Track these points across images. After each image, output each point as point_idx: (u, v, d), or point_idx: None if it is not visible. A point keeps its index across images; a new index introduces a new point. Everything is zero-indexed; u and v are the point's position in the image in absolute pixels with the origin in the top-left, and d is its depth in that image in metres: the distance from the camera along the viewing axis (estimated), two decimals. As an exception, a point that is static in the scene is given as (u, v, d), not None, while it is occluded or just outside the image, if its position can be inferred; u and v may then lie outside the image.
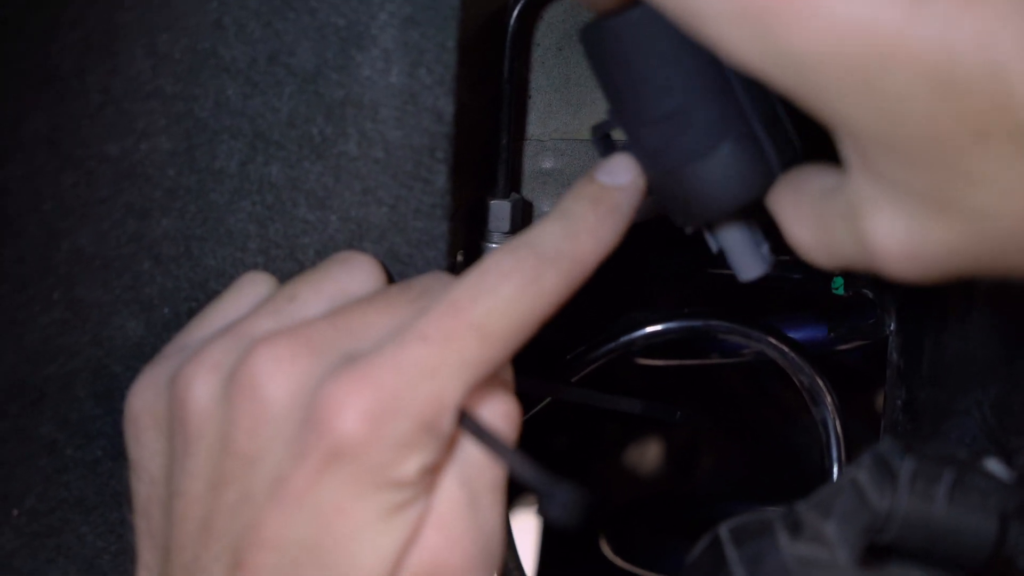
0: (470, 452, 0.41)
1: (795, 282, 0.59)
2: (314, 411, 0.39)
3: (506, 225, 0.55)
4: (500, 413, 0.41)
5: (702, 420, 0.52)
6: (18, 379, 0.49)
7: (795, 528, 0.40)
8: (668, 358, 0.64)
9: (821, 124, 0.34)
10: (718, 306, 0.55)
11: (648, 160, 0.42)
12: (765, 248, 0.43)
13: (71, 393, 0.49)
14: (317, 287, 0.45)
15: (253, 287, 0.47)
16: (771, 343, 0.50)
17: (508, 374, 0.43)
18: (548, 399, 0.55)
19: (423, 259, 0.49)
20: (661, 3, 0.35)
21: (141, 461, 0.45)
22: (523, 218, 0.56)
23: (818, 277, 0.56)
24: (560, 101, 0.57)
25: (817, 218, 0.37)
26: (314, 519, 0.39)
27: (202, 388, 0.42)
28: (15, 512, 0.49)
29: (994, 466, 0.40)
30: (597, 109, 0.58)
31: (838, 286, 0.54)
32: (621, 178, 0.42)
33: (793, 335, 0.53)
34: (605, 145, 0.43)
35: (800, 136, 0.41)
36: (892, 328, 0.52)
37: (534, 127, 0.57)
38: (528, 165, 0.57)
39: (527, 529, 1.01)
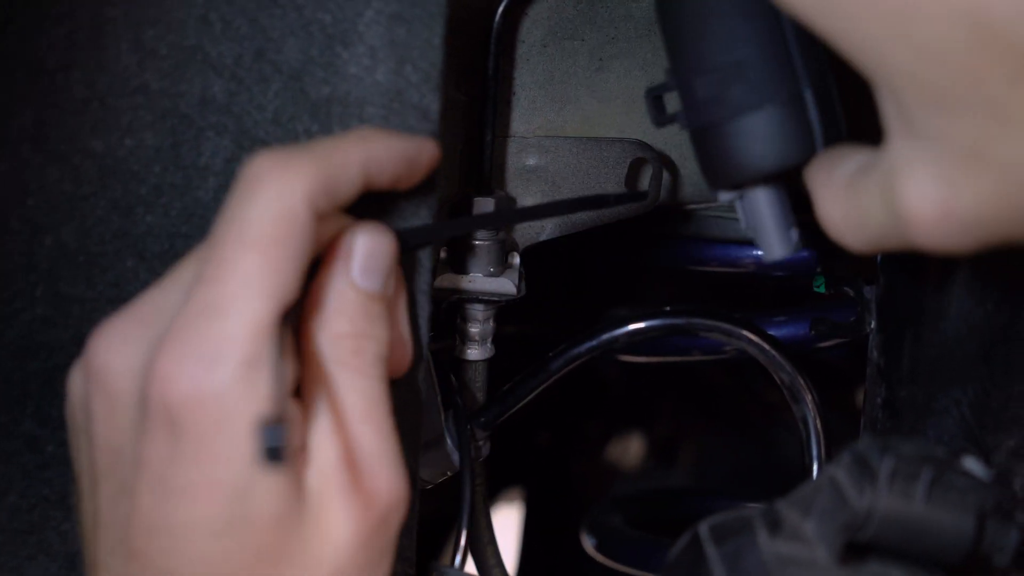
0: (339, 373, 0.41)
1: (777, 281, 0.60)
2: (146, 388, 0.39)
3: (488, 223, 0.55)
4: (364, 250, 0.42)
5: (636, 196, 0.49)
6: (1, 375, 0.48)
7: (775, 526, 0.40)
8: (651, 355, 0.65)
9: (866, 79, 0.34)
10: (701, 304, 0.55)
11: (695, 112, 0.42)
12: (794, 232, 0.43)
13: (53, 390, 0.49)
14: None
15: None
16: (752, 341, 0.50)
17: (344, 221, 0.43)
18: (528, 397, 0.55)
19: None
20: None
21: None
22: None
23: (800, 276, 0.56)
24: (544, 98, 0.57)
25: (850, 195, 0.37)
26: (187, 492, 0.39)
27: (73, 384, 0.43)
28: None
29: (972, 464, 0.40)
30: (581, 106, 0.58)
31: (819, 284, 0.55)
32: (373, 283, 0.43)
33: (775, 333, 0.54)
34: (656, 107, 0.43)
35: (847, 116, 0.41)
36: (873, 327, 0.52)
37: (518, 124, 0.57)
38: (512, 162, 0.57)
39: (509, 526, 1.01)
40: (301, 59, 0.47)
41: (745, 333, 0.51)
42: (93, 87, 0.47)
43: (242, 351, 0.39)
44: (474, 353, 0.58)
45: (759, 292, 0.65)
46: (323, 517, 0.40)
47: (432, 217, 0.48)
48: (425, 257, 0.49)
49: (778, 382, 0.50)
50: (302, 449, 0.41)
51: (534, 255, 0.59)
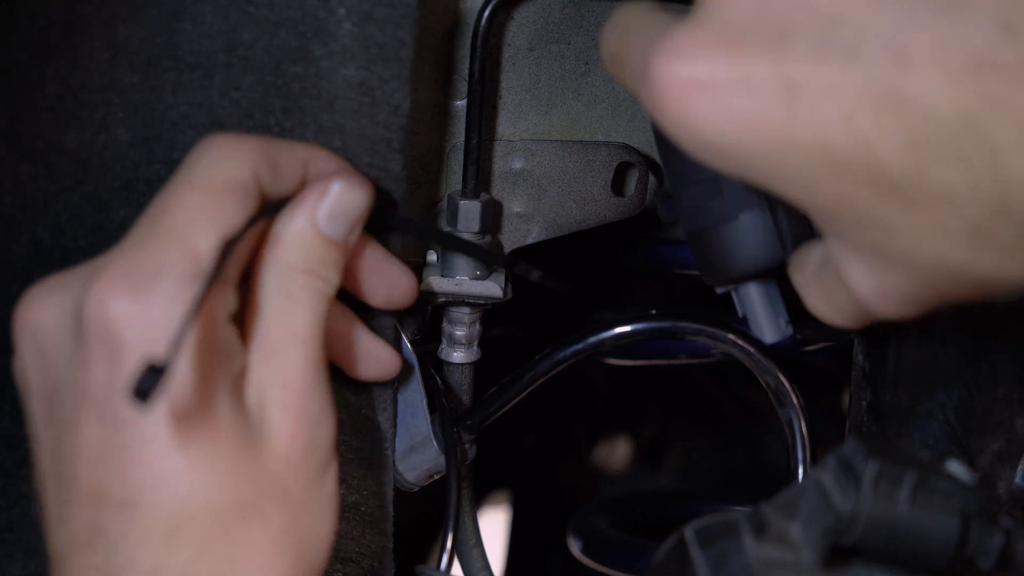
0: (284, 302, 0.44)
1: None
2: (81, 312, 0.40)
3: (476, 225, 0.54)
4: (336, 197, 0.44)
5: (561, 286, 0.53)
6: None
7: (760, 529, 0.40)
8: (636, 358, 0.64)
9: None
10: (687, 307, 0.55)
11: (686, 218, 0.47)
12: (783, 320, 0.48)
13: None
14: None
15: None
16: (738, 344, 0.50)
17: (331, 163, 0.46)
18: (515, 400, 0.55)
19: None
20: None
21: None
22: (493, 218, 0.56)
23: (785, 279, 0.56)
24: (530, 102, 0.57)
25: (821, 287, 0.41)
26: (133, 412, 0.40)
27: (18, 342, 0.44)
28: None
29: (956, 468, 0.40)
30: (567, 110, 0.58)
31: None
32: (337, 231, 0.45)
33: (760, 336, 0.53)
34: (666, 206, 0.48)
35: None
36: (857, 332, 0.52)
37: (504, 127, 0.57)
38: (498, 165, 0.57)
39: (495, 529, 1.01)
40: (273, 55, 0.47)
41: (731, 337, 0.51)
42: (66, 83, 0.47)
43: (179, 272, 0.40)
44: (460, 356, 0.57)
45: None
46: (264, 432, 0.42)
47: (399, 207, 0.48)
48: (397, 244, 0.49)
49: (764, 385, 0.49)
50: (241, 374, 0.43)
51: (521, 258, 0.58)
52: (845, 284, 0.39)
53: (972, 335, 0.47)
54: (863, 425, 0.51)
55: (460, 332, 0.57)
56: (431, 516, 0.57)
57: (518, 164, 0.57)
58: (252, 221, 0.43)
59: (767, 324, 0.47)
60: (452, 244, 0.54)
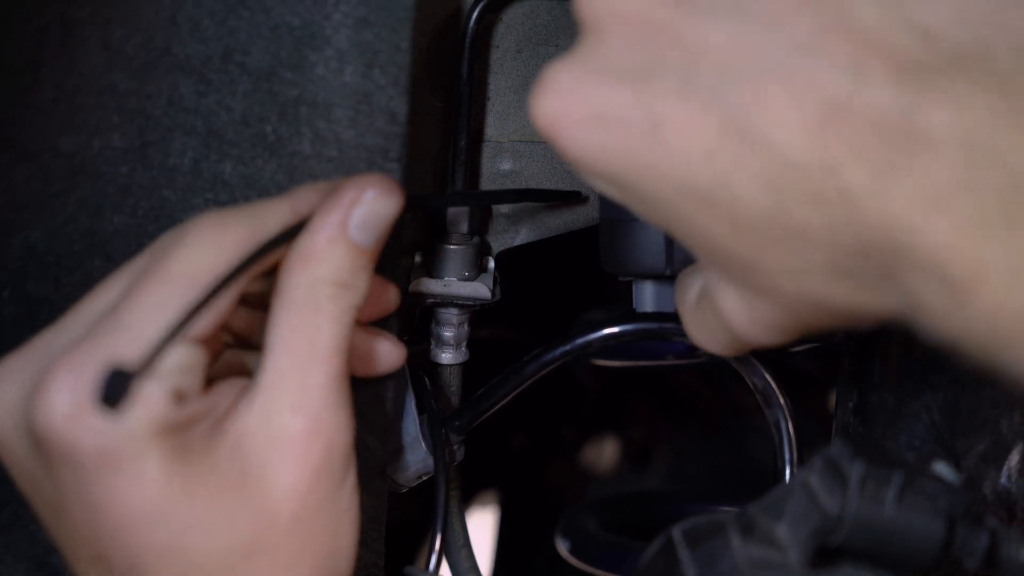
0: (310, 316, 0.42)
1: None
2: (28, 420, 0.39)
3: (464, 227, 0.55)
4: (369, 207, 0.43)
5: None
6: None
7: (747, 530, 0.40)
8: (624, 359, 0.65)
9: None
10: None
11: (602, 205, 0.52)
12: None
13: None
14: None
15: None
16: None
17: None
18: (503, 402, 0.55)
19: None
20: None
21: None
22: (481, 219, 0.56)
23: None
24: (518, 103, 0.57)
25: (698, 315, 0.42)
26: (110, 503, 0.39)
27: None
28: None
29: (942, 469, 0.40)
30: (556, 111, 0.58)
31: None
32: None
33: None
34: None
35: None
36: (843, 334, 0.52)
37: (492, 129, 0.57)
38: (486, 166, 0.57)
39: (483, 530, 1.01)
40: (269, 61, 0.47)
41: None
42: (61, 87, 0.47)
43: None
44: (448, 357, 0.58)
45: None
46: (267, 461, 0.41)
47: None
48: (397, 257, 0.49)
49: (751, 386, 0.50)
50: (232, 407, 0.41)
51: (509, 260, 0.59)
52: (719, 314, 0.40)
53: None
54: (849, 426, 0.51)
55: (448, 333, 0.57)
56: (419, 518, 0.57)
57: (506, 166, 0.57)
58: (262, 252, 0.41)
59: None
60: (479, 199, 0.55)
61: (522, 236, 0.58)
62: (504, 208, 0.58)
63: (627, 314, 0.54)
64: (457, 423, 0.54)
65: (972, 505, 0.40)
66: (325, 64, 0.47)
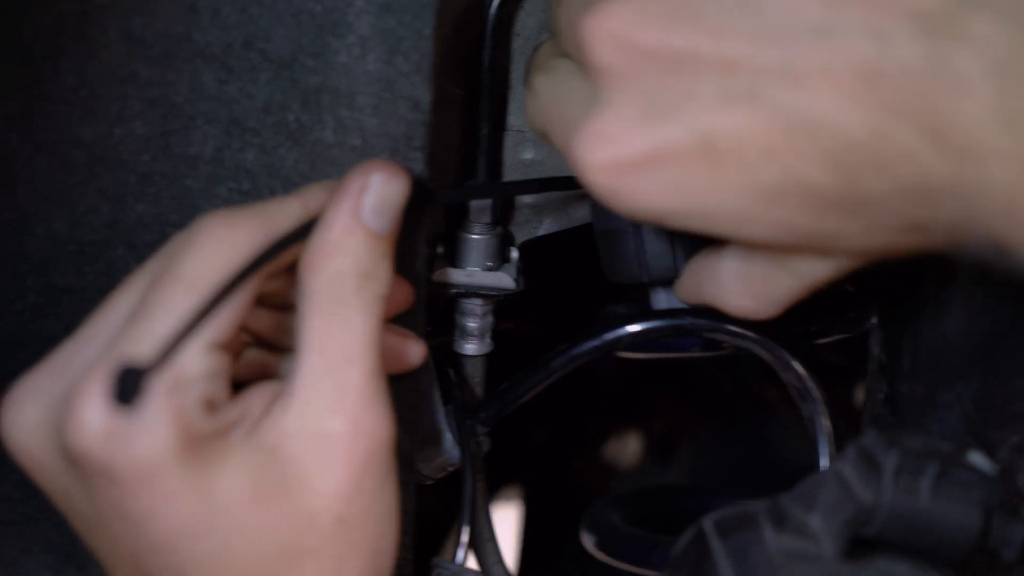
0: (336, 311, 0.41)
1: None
2: (62, 438, 0.39)
3: (487, 216, 0.54)
4: (378, 191, 0.43)
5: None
6: None
7: (779, 521, 0.40)
8: (648, 351, 0.64)
9: None
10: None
11: (595, 215, 0.52)
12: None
13: None
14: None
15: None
16: (757, 340, 0.49)
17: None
18: (529, 394, 0.54)
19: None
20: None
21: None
22: (504, 209, 0.56)
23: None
24: (542, 91, 0.57)
25: (751, 285, 0.43)
26: (150, 515, 0.39)
27: (14, 455, 0.43)
28: None
29: (977, 459, 0.40)
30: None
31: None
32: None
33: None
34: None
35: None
36: (874, 322, 0.51)
37: (515, 117, 0.57)
38: (509, 155, 0.57)
39: (508, 525, 1.01)
40: (291, 48, 0.47)
41: (751, 333, 0.51)
42: (82, 75, 0.47)
43: (162, 386, 0.38)
44: (472, 348, 0.57)
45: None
46: (308, 464, 0.40)
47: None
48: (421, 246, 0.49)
49: (784, 381, 0.49)
50: (267, 409, 0.41)
51: (532, 250, 0.58)
52: (791, 276, 0.41)
53: (988, 325, 0.47)
54: (880, 417, 0.50)
55: (472, 324, 0.57)
56: (443, 510, 0.57)
57: (529, 155, 0.57)
58: (275, 250, 0.41)
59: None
60: (502, 190, 0.54)
61: (545, 226, 0.58)
62: (527, 198, 0.58)
63: (653, 311, 0.53)
64: (483, 414, 0.54)
65: (1008, 496, 0.39)
66: (348, 51, 0.47)
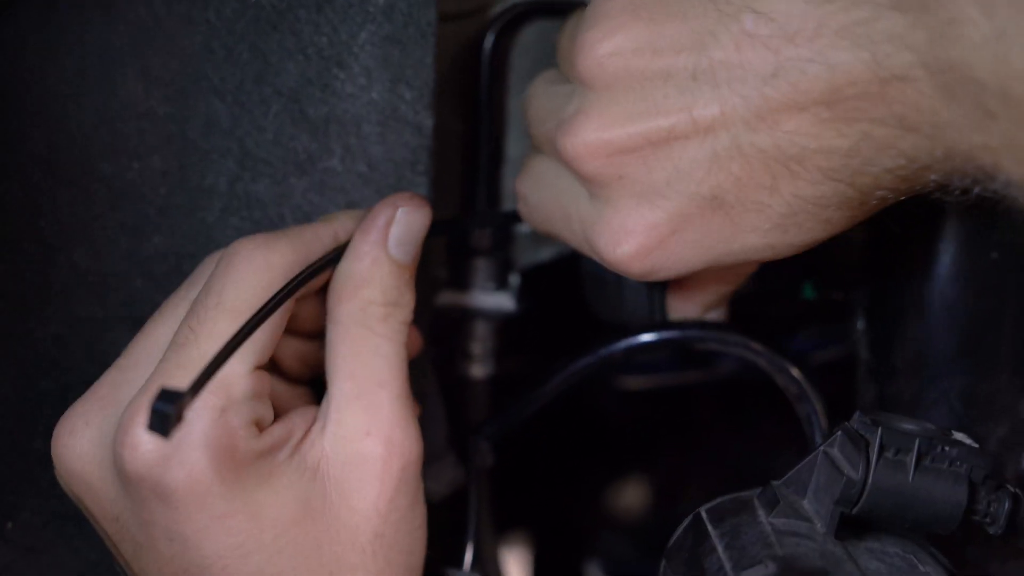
0: (365, 338, 0.44)
1: (765, 292, 0.61)
2: (116, 461, 0.40)
3: (488, 241, 0.57)
4: (403, 223, 0.45)
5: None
6: (14, 393, 0.50)
7: (772, 503, 0.41)
8: (646, 372, 0.65)
9: None
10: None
11: (586, 261, 0.53)
12: None
13: (65, 408, 0.50)
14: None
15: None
16: (751, 347, 0.51)
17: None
18: (531, 410, 0.56)
19: None
20: None
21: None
22: (504, 235, 0.58)
23: (787, 284, 0.58)
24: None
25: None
26: (200, 534, 0.40)
27: (55, 466, 0.44)
28: (8, 524, 0.50)
29: (962, 437, 0.41)
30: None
31: (807, 290, 0.56)
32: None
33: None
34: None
35: None
36: (861, 327, 0.53)
37: (513, 149, 0.59)
38: (507, 185, 0.59)
39: (519, 563, 1.01)
40: (299, 81, 0.50)
41: (742, 340, 0.52)
42: (102, 113, 0.49)
43: (210, 407, 0.40)
44: (475, 370, 0.59)
45: (746, 303, 0.66)
46: (347, 485, 0.42)
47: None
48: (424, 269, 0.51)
49: (780, 385, 0.51)
50: (306, 434, 0.43)
51: (535, 278, 0.60)
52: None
53: (971, 322, 0.48)
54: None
55: (475, 346, 0.59)
56: (448, 529, 0.58)
57: (528, 185, 0.59)
58: (309, 275, 0.43)
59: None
60: (502, 219, 0.57)
61: (545, 253, 0.60)
62: (526, 227, 0.60)
63: (649, 325, 0.55)
64: (488, 430, 0.55)
65: (993, 471, 0.41)
66: (353, 81, 0.49)
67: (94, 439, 0.42)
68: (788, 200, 0.39)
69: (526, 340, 0.63)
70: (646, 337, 0.55)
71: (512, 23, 0.56)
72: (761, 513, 0.41)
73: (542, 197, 0.46)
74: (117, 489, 0.42)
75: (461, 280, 0.57)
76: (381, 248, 0.44)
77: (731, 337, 0.53)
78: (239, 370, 0.41)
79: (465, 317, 0.58)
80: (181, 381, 0.39)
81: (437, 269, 0.58)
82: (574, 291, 0.58)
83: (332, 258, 0.45)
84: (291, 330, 0.48)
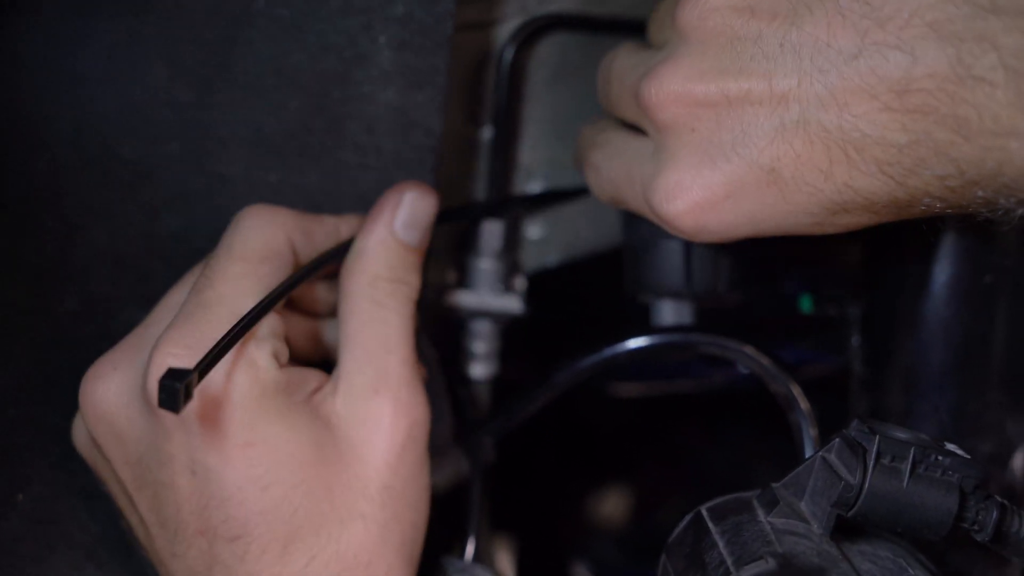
0: (374, 310, 0.46)
1: (764, 305, 0.63)
2: (146, 386, 0.43)
3: (498, 243, 0.58)
4: (410, 207, 0.48)
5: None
6: (30, 368, 0.50)
7: (771, 504, 0.42)
8: (639, 380, 0.67)
9: None
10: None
11: (624, 231, 0.54)
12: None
13: (78, 384, 0.51)
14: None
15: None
16: (747, 354, 0.53)
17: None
18: (533, 409, 0.57)
19: None
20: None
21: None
22: (511, 238, 0.60)
23: (784, 300, 0.60)
24: (551, 133, 0.61)
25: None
26: (221, 463, 0.42)
27: (76, 430, 0.49)
28: (20, 496, 0.50)
29: (954, 448, 0.42)
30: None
31: (806, 304, 0.58)
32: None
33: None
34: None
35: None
36: (855, 342, 0.55)
37: (525, 155, 0.61)
38: (518, 189, 0.61)
39: (509, 561, 1.02)
40: (318, 78, 0.51)
41: (741, 348, 0.53)
42: (127, 98, 0.50)
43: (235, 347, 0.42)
44: (480, 371, 0.60)
45: (744, 316, 0.67)
46: (357, 439, 0.45)
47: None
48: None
49: (773, 393, 0.52)
50: (318, 389, 0.45)
51: (541, 284, 0.61)
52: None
53: (963, 340, 0.50)
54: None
55: (480, 346, 0.60)
56: (445, 524, 0.59)
57: (537, 188, 0.61)
58: (320, 264, 0.46)
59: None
60: (504, 207, 0.58)
61: (552, 257, 0.61)
62: (533, 228, 0.61)
63: (652, 328, 0.56)
64: (491, 426, 0.56)
65: (983, 481, 0.42)
66: (370, 82, 0.51)
67: (122, 382, 0.44)
68: (840, 188, 0.40)
69: (531, 343, 0.64)
70: (648, 340, 0.56)
71: (532, 36, 0.58)
72: (760, 513, 0.42)
73: (613, 165, 0.48)
74: (142, 428, 0.43)
75: (470, 282, 0.58)
76: (388, 229, 0.47)
77: (731, 344, 0.55)
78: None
79: (473, 317, 0.59)
80: (206, 318, 0.43)
81: (447, 272, 0.59)
82: (579, 296, 0.59)
83: (345, 247, 0.48)
84: (302, 310, 0.50)
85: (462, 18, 0.54)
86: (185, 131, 0.51)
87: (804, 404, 0.50)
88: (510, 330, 0.61)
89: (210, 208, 0.52)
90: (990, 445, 0.51)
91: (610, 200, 0.49)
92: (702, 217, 0.43)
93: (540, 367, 0.56)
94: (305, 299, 0.51)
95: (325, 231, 0.49)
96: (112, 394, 0.44)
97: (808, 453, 0.49)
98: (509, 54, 0.57)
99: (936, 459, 0.41)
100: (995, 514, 0.42)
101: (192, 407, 0.41)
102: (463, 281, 0.59)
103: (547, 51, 0.60)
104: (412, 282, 0.48)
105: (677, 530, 0.44)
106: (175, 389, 0.38)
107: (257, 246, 0.45)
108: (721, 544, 0.41)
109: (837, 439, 0.42)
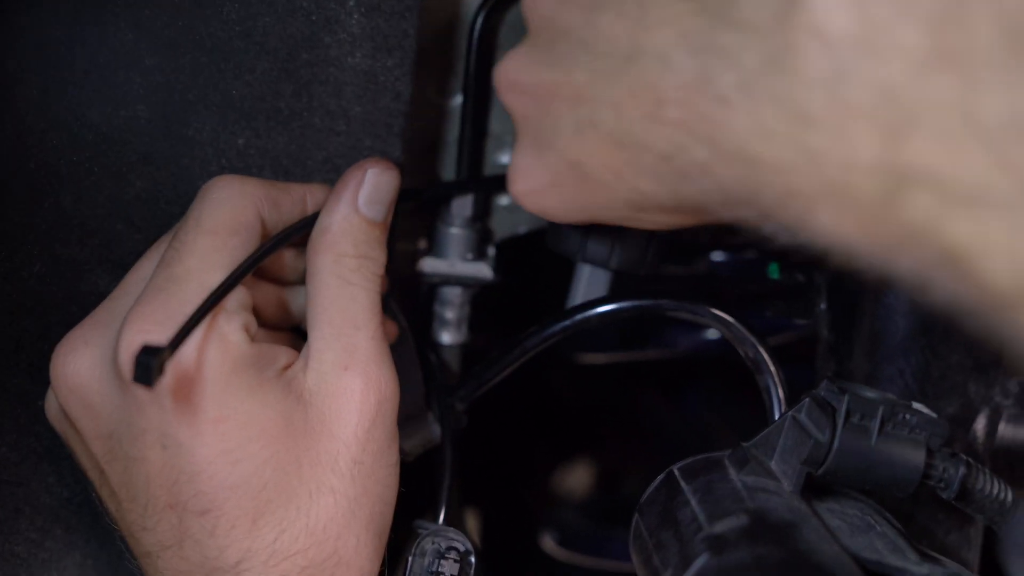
0: (340, 287, 0.47)
1: (733, 273, 0.63)
2: (118, 362, 0.43)
3: (468, 211, 0.58)
4: (372, 183, 0.48)
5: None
6: None
7: (742, 463, 0.43)
8: (608, 350, 0.67)
9: None
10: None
11: None
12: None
13: (46, 346, 0.50)
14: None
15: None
16: (717, 317, 0.53)
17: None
18: (503, 374, 0.57)
19: None
20: None
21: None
22: (483, 206, 0.60)
23: (754, 266, 0.60)
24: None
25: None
26: (192, 438, 0.42)
27: (48, 403, 0.48)
28: None
29: (921, 407, 0.43)
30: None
31: (773, 270, 0.59)
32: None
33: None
34: None
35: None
36: (823, 307, 0.56)
37: (495, 124, 0.61)
38: (488, 160, 0.61)
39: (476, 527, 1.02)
40: (286, 42, 0.51)
41: (711, 311, 0.54)
42: (94, 60, 0.50)
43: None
44: (449, 337, 0.60)
45: (713, 284, 0.68)
46: (327, 414, 0.45)
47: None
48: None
49: (742, 356, 0.52)
50: (288, 366, 0.46)
51: (512, 250, 0.62)
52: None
53: (925, 304, 0.51)
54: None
55: (450, 313, 0.60)
56: (415, 491, 0.59)
57: (506, 159, 0.61)
58: (285, 237, 0.47)
59: (579, 300, 0.55)
60: (478, 185, 0.58)
61: (525, 225, 0.62)
62: (504, 200, 0.61)
63: (622, 292, 0.56)
64: (461, 392, 0.56)
65: (949, 439, 0.43)
66: (338, 46, 0.51)
67: (94, 356, 0.44)
68: (630, 188, 0.39)
69: (500, 309, 0.64)
70: (617, 304, 0.56)
71: (503, 3, 0.58)
72: (732, 471, 0.43)
73: None
74: (114, 402, 0.43)
75: (440, 249, 0.58)
76: (351, 205, 0.48)
77: (701, 308, 0.55)
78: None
79: (443, 284, 0.59)
80: (176, 292, 0.43)
81: (417, 240, 0.59)
82: (549, 263, 0.59)
83: (310, 220, 0.48)
84: (271, 278, 0.50)
85: (431, -17, 0.53)
86: (152, 94, 0.51)
87: (773, 366, 0.51)
88: (479, 299, 0.61)
89: (177, 172, 0.52)
90: (954, 407, 0.52)
91: None
92: (540, 201, 0.44)
93: (510, 334, 0.56)
94: (273, 267, 0.51)
95: (292, 200, 0.49)
96: (84, 368, 0.44)
97: (777, 415, 0.50)
98: (480, 20, 0.57)
99: (904, 418, 0.42)
100: (961, 471, 0.43)
101: (165, 382, 0.41)
102: (433, 248, 0.59)
103: (518, 17, 0.60)
104: (378, 257, 0.48)
105: (649, 490, 0.45)
106: (149, 365, 0.38)
107: (226, 219, 0.45)
108: (693, 502, 0.42)
109: (807, 398, 0.43)
